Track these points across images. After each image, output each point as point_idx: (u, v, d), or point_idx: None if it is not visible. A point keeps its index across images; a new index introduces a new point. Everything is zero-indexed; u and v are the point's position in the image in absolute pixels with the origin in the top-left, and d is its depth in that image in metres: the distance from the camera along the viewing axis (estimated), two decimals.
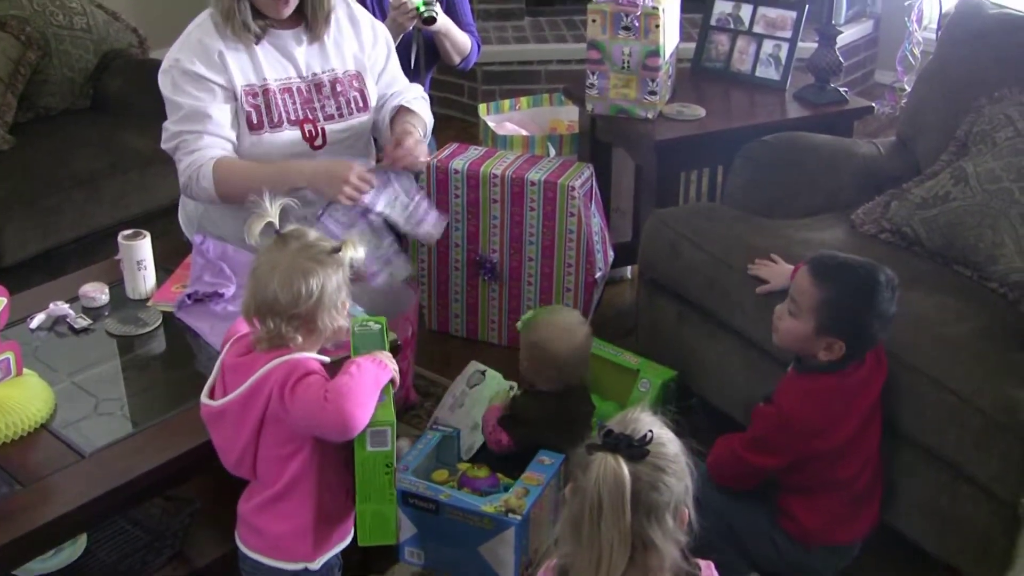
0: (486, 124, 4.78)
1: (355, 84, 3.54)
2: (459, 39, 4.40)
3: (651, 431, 2.12)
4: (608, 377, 3.65)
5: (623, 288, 4.70)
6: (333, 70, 3.52)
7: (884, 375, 3.01)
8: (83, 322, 3.11)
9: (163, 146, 3.45)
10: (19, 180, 4.28)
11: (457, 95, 6.37)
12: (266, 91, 3.40)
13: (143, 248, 3.21)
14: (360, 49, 3.58)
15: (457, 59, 4.48)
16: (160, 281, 3.27)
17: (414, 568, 3.16)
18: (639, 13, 3.87)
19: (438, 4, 4.22)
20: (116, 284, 3.26)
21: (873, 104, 4.42)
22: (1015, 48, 3.68)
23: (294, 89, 3.45)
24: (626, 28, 3.91)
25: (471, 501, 3.00)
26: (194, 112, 3.35)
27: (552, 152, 4.55)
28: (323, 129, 3.48)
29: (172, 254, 3.38)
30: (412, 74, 4.34)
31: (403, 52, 4.26)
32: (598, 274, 4.05)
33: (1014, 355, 3.00)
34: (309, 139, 3.46)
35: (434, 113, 3.83)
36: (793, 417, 2.92)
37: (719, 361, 3.56)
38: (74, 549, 2.90)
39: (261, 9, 3.37)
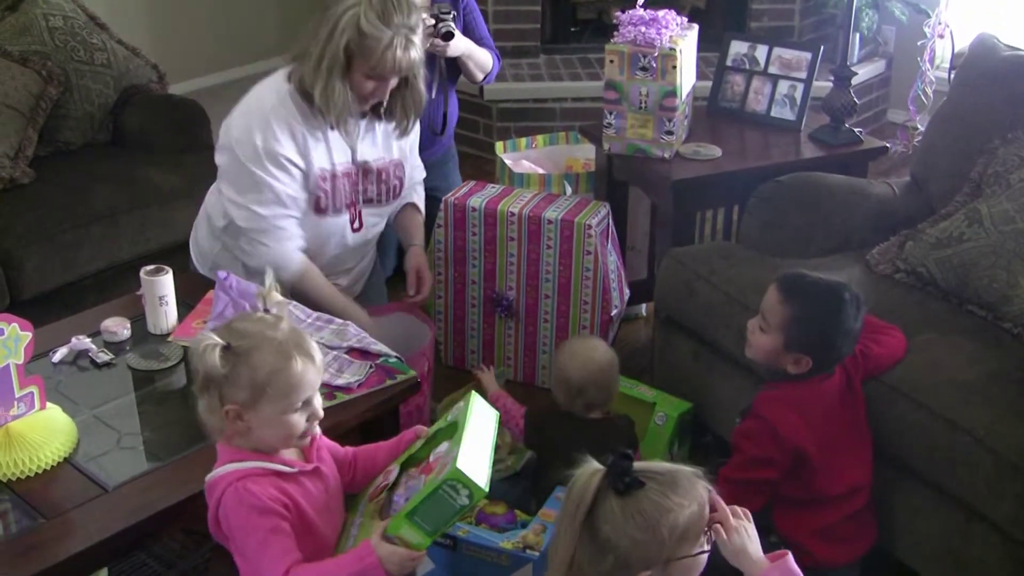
0: (503, 162, 4.80)
1: (397, 172, 3.68)
2: (481, 58, 4.46)
3: (641, 481, 2.14)
4: (624, 410, 3.67)
5: (638, 326, 4.72)
6: (381, 157, 3.62)
7: (861, 404, 3.11)
8: (105, 356, 3.14)
9: (243, 224, 3.47)
10: (39, 214, 4.30)
11: (472, 132, 6.40)
12: (334, 176, 3.50)
13: (165, 284, 3.24)
14: (403, 138, 3.69)
15: (480, 76, 4.54)
16: (181, 316, 3.30)
17: None
18: (656, 54, 3.90)
19: (453, 20, 4.26)
20: (137, 319, 3.29)
21: (887, 144, 4.44)
22: None
23: (350, 173, 3.55)
24: (643, 69, 3.93)
25: (489, 537, 3.02)
26: (278, 194, 3.42)
27: (568, 190, 4.58)
28: (360, 212, 3.61)
29: (193, 289, 3.41)
30: (434, 103, 4.40)
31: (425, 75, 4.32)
32: (614, 312, 4.08)
33: None
34: (351, 221, 3.60)
35: None
36: (777, 423, 2.99)
37: (735, 399, 3.57)
38: None
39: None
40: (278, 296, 2.48)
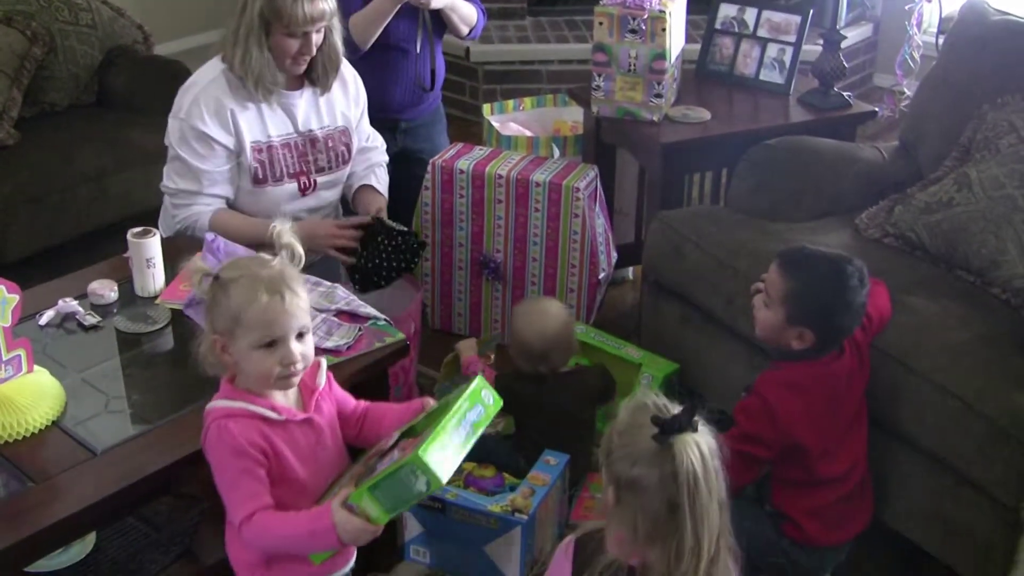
0: (490, 124, 4.78)
1: (343, 139, 3.79)
2: (465, 11, 4.46)
3: (689, 403, 2.18)
4: (611, 370, 3.67)
5: (624, 289, 4.72)
6: (326, 126, 3.74)
7: (867, 376, 3.06)
8: (92, 319, 3.12)
9: (163, 190, 3.67)
10: (24, 176, 4.29)
11: (458, 94, 6.37)
12: (270, 147, 3.62)
13: (152, 246, 3.23)
14: (347, 106, 3.82)
15: (465, 30, 4.53)
16: (168, 279, 3.28)
17: (419, 567, 3.17)
18: (646, 16, 3.89)
19: None
20: (124, 281, 3.27)
21: (876, 109, 4.43)
22: (1018, 55, 3.69)
23: (292, 144, 3.67)
24: (633, 31, 3.92)
25: (477, 501, 3.01)
26: (194, 171, 3.57)
27: (556, 153, 4.56)
28: (315, 180, 3.72)
29: (180, 252, 3.38)
30: (419, 58, 4.39)
31: (409, 29, 4.32)
32: (601, 275, 4.07)
33: (1017, 361, 3.02)
34: (302, 189, 3.70)
35: None
36: (776, 406, 2.94)
37: (723, 364, 3.57)
38: (83, 546, 2.90)
39: (278, 68, 3.57)
40: (288, 238, 2.49)
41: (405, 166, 4.30)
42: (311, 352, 2.44)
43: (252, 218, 3.61)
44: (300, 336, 2.40)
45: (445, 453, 2.28)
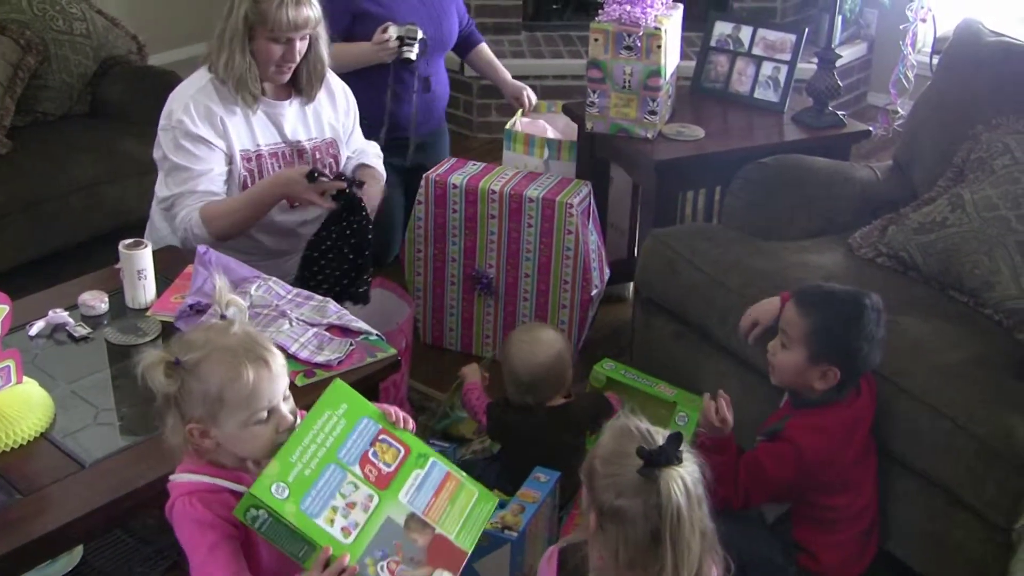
0: (509, 131, 4.67)
1: (331, 151, 3.80)
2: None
3: (676, 433, 2.18)
4: (643, 410, 3.61)
5: (617, 306, 4.70)
6: (313, 138, 3.75)
7: (874, 405, 3.05)
8: (82, 331, 3.11)
9: (160, 205, 3.65)
10: (16, 185, 4.28)
11: (453, 108, 6.36)
12: (259, 156, 3.63)
13: (144, 257, 3.21)
14: (335, 118, 3.82)
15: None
16: (160, 290, 3.27)
17: None
18: (641, 33, 3.89)
19: (418, 47, 4.35)
20: (115, 293, 3.26)
21: (871, 128, 4.43)
22: (1013, 76, 3.69)
23: (279, 153, 3.68)
24: (628, 48, 3.92)
25: None
26: (189, 172, 3.53)
27: (547, 154, 4.49)
28: None
29: (172, 263, 3.38)
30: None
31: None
32: (594, 292, 4.06)
33: (1009, 382, 3.01)
34: (289, 200, 3.65)
35: None
36: (808, 452, 2.94)
37: (716, 382, 3.54)
38: (70, 559, 2.90)
39: (262, 76, 3.59)
40: (231, 295, 2.46)
41: (415, 183, 4.30)
42: (294, 406, 2.33)
43: (242, 195, 3.57)
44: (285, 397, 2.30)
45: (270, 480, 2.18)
